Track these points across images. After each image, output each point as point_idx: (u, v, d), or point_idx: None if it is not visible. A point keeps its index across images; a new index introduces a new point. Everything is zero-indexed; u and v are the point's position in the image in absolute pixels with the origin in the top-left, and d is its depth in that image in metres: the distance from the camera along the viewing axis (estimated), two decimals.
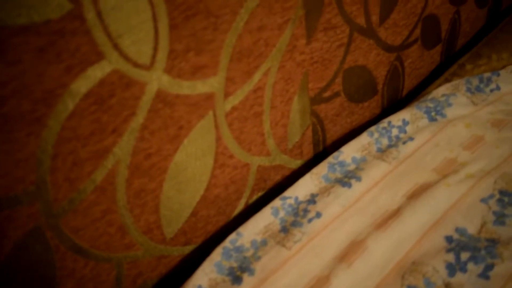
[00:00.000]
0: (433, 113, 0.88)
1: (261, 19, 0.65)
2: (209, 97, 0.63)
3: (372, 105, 1.00)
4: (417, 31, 1.01)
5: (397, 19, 0.93)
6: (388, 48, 0.95)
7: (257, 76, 0.69)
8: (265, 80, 0.71)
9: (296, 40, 0.73)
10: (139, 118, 0.56)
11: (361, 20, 0.83)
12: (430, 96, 0.92)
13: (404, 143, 0.83)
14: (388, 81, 1.00)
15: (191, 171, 0.65)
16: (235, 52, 0.64)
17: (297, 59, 0.75)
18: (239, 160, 0.74)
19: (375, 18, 0.86)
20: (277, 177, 0.85)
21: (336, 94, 0.87)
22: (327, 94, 0.85)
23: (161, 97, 0.57)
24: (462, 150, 0.80)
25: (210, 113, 0.65)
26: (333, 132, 0.93)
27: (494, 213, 0.68)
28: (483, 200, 0.71)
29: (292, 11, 0.69)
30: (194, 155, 0.66)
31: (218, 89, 0.64)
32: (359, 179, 0.76)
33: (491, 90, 0.93)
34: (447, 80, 1.01)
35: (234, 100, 0.67)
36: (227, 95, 0.66)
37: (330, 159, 0.82)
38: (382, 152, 0.82)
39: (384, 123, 0.86)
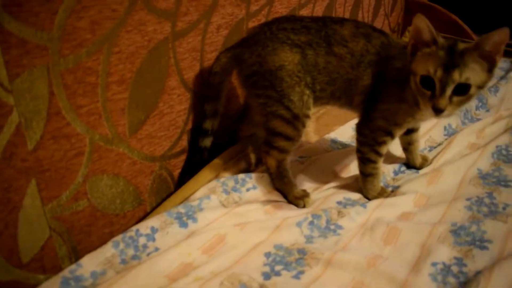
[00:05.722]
0: (184, 218, 0.96)
1: None
2: None
3: (138, 215, 1.05)
4: (183, 142, 1.15)
5: (153, 131, 1.04)
6: (149, 158, 1.05)
7: None
8: None
9: (14, 147, 0.77)
10: None
11: (103, 130, 0.92)
12: (186, 201, 1.01)
13: (148, 254, 0.88)
14: (155, 190, 1.08)
15: None
16: None
17: (18, 166, 0.78)
18: None
19: (122, 129, 0.96)
20: None
21: (83, 204, 0.91)
22: (70, 203, 0.89)
23: None
24: (200, 254, 0.88)
25: None
26: (89, 243, 0.94)
27: None
28: None
29: (3, 119, 0.75)
30: None
31: None
32: None
33: (248, 190, 1.07)
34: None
35: None
36: None
37: (66, 272, 0.83)
38: (126, 264, 0.86)
39: (131, 231, 0.91)
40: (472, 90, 0.86)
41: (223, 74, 1.10)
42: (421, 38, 0.89)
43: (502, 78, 1.85)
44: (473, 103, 1.56)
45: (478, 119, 1.49)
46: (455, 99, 0.86)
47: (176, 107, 1.10)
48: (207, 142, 1.14)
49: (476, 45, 0.86)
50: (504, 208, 1.04)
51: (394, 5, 2.47)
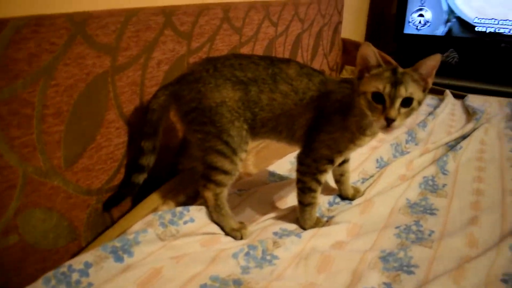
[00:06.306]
0: (120, 252, 0.95)
1: None
2: None
3: (72, 250, 1.03)
4: (121, 176, 1.15)
5: (90, 164, 1.04)
6: (85, 192, 1.04)
7: None
8: None
9: None
10: None
11: (37, 163, 0.91)
12: (122, 235, 1.01)
13: None
14: (91, 224, 1.07)
15: None
16: None
17: None
18: None
19: (57, 162, 0.96)
20: None
21: (14, 238, 0.89)
22: None
23: None
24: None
25: None
26: (19, 280, 0.91)
27: None
28: None
29: None
30: None
31: None
32: None
33: (185, 222, 1.08)
34: None
35: None
36: None
37: None
38: None
39: (64, 267, 0.89)
40: (414, 103, 0.96)
41: (161, 111, 1.12)
42: (367, 63, 0.99)
43: (430, 114, 2.00)
44: (403, 138, 1.67)
45: (408, 152, 1.59)
46: (403, 110, 0.95)
47: (114, 140, 1.10)
48: (141, 178, 1.14)
49: (414, 68, 0.98)
50: (429, 235, 1.11)
51: (332, 45, 2.62)
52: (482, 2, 2.99)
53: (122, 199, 1.14)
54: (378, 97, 0.95)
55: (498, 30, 2.96)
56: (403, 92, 0.94)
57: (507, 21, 2.94)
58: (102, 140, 1.07)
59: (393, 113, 0.94)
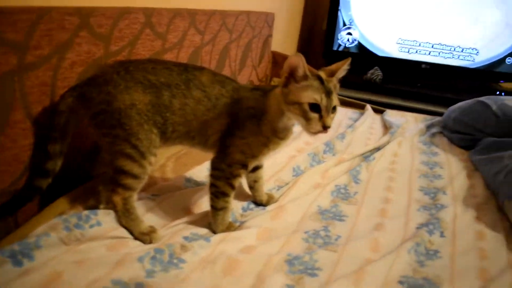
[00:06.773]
0: (19, 256, 0.92)
1: None
2: None
3: None
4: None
5: None
6: None
7: None
8: None
9: None
10: None
11: None
12: (24, 239, 0.98)
13: None
14: None
15: None
16: None
17: None
18: None
19: None
20: None
21: None
22: None
23: None
24: None
25: None
26: None
27: None
28: None
29: None
30: None
31: None
32: None
33: (91, 226, 1.07)
34: None
35: None
36: None
37: None
38: None
39: None
40: (337, 108, 1.07)
41: (69, 114, 1.08)
42: (295, 72, 1.04)
43: (350, 127, 2.10)
44: (321, 148, 1.74)
45: (324, 162, 1.65)
46: (332, 116, 1.06)
47: (20, 142, 1.07)
48: (44, 183, 1.09)
49: (331, 73, 1.08)
50: (336, 239, 1.16)
51: (262, 58, 2.68)
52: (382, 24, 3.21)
53: (21, 205, 1.08)
54: (314, 107, 1.02)
55: (420, 52, 3.17)
56: (335, 101, 1.05)
57: (427, 43, 3.17)
58: (7, 140, 1.03)
59: (329, 121, 1.04)
